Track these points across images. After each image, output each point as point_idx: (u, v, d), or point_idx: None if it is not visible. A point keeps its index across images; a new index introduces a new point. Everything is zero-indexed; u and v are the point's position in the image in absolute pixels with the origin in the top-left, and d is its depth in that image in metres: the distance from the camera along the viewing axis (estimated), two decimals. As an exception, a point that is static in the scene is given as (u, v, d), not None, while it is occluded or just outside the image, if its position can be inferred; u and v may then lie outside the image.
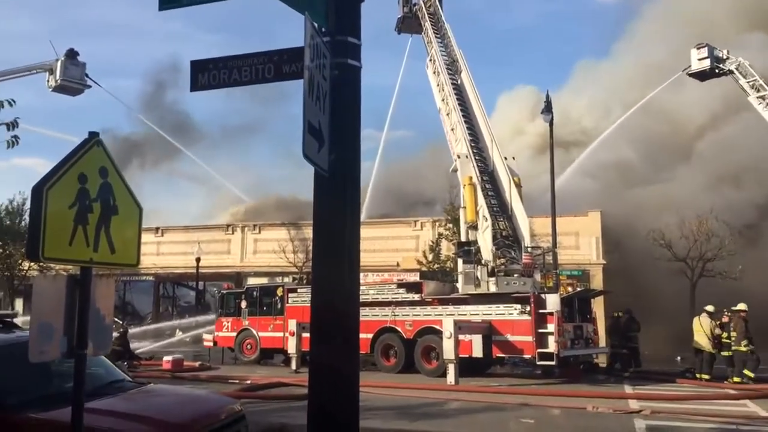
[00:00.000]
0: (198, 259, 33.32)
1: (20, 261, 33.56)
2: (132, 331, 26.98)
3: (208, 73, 4.00)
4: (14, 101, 6.87)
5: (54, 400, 5.00)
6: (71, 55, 20.89)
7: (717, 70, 30.82)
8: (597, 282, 31.16)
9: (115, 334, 21.24)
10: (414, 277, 28.08)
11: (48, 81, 21.49)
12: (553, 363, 17.40)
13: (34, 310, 3.68)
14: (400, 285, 21.10)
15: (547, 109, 22.68)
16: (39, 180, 3.65)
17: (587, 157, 41.36)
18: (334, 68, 3.69)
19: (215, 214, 53.07)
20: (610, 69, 49.79)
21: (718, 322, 18.21)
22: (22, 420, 4.89)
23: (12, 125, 6.69)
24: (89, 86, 22.40)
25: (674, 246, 29.18)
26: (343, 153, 3.68)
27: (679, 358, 22.33)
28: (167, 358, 20.50)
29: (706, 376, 17.46)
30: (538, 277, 19.31)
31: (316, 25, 3.53)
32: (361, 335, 15.47)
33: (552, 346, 17.05)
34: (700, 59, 30.89)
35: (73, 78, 20.95)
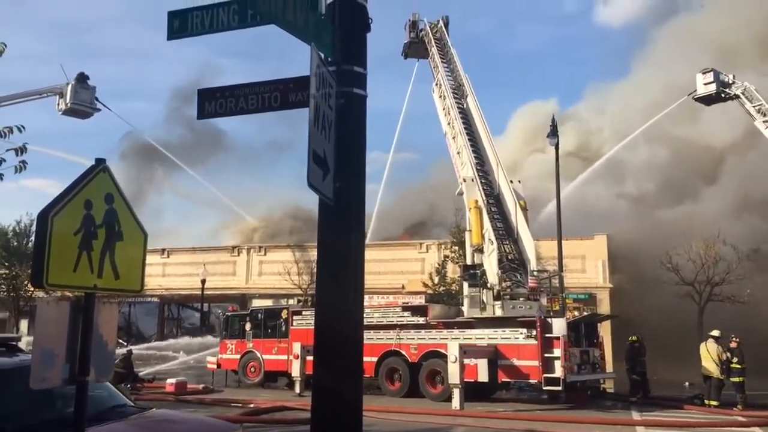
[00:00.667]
0: (203, 281, 33.31)
1: (26, 282, 33.62)
2: (136, 351, 26.85)
3: (215, 102, 4.03)
4: (24, 127, 6.94)
5: (55, 425, 4.95)
6: (81, 78, 21.13)
7: (723, 95, 30.83)
8: (604, 305, 30.98)
9: (121, 351, 21.21)
10: (419, 300, 27.93)
11: (58, 104, 21.72)
12: (559, 388, 17.21)
13: (37, 337, 3.66)
14: (405, 308, 20.99)
15: (553, 132, 22.74)
16: (45, 206, 3.67)
17: (589, 178, 41.29)
18: (340, 97, 3.71)
19: (225, 234, 53.12)
20: (625, 90, 49.88)
21: (725, 348, 18.01)
22: (23, 446, 4.84)
23: (20, 150, 6.75)
24: (99, 110, 22.64)
25: (682, 270, 28.98)
26: (348, 181, 3.69)
27: (687, 383, 22.05)
28: (170, 380, 20.39)
29: (714, 403, 17.23)
30: (544, 300, 19.17)
31: (322, 54, 3.56)
32: (366, 358, 15.37)
33: (558, 371, 16.88)
34: (705, 84, 30.93)
35: (83, 101, 21.17)
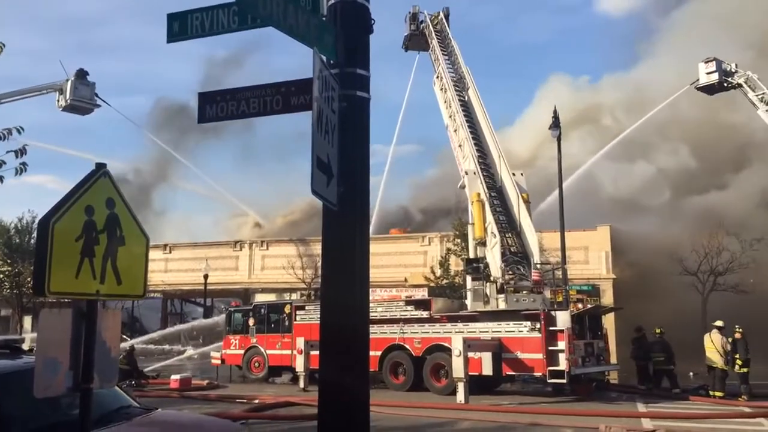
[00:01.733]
0: (206, 276, 33.34)
1: (29, 279, 33.68)
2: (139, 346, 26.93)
3: (216, 105, 3.97)
4: (23, 128, 6.90)
5: (61, 428, 4.94)
6: (81, 75, 21.01)
7: (725, 84, 30.68)
8: (607, 296, 30.98)
9: (123, 347, 21.23)
10: (422, 293, 27.94)
11: (58, 101, 21.62)
12: (564, 381, 17.21)
13: (39, 345, 3.63)
14: (409, 302, 20.98)
15: (555, 125, 22.62)
16: (45, 213, 3.62)
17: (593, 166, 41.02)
18: (343, 100, 3.65)
19: (231, 227, 52.99)
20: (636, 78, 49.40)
21: (730, 339, 17.97)
22: (28, 451, 4.83)
23: (20, 152, 6.71)
24: (99, 105, 22.54)
25: (685, 260, 28.94)
26: (352, 186, 3.64)
27: (691, 374, 22.05)
28: (175, 376, 20.43)
29: (719, 394, 17.23)
30: (547, 293, 19.16)
31: (324, 58, 3.50)
32: (370, 353, 15.34)
33: (563, 364, 16.86)
34: (708, 73, 30.76)
35: (83, 98, 21.07)
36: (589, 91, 53.41)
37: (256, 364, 22.96)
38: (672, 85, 38.37)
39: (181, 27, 3.66)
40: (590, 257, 32.31)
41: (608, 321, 22.92)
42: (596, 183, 38.88)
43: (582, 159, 40.75)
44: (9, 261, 34.98)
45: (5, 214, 46.20)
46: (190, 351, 32.27)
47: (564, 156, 22.51)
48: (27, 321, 35.11)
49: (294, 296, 31.97)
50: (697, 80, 31.38)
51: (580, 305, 22.77)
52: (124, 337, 26.05)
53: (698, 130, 40.31)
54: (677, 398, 17.56)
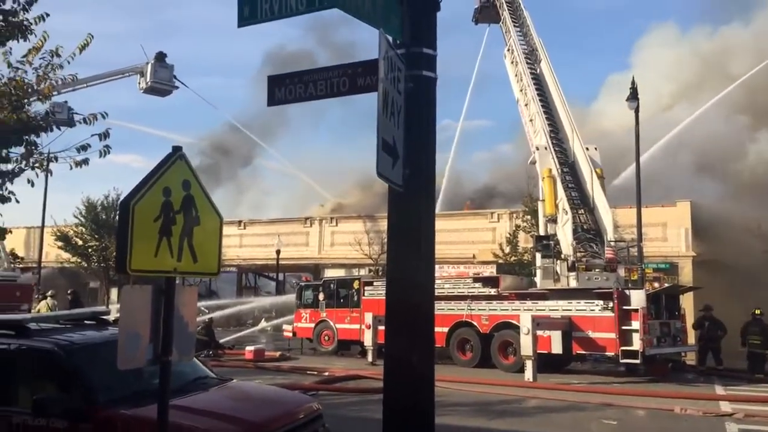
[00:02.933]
0: (278, 251, 34.19)
1: (115, 253, 35.47)
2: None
3: (285, 88, 4.04)
4: (107, 114, 7.24)
5: (143, 396, 5.22)
6: (160, 57, 21.65)
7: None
8: (686, 275, 29.70)
9: (202, 319, 22.20)
10: (490, 270, 27.70)
11: (139, 83, 22.42)
12: (637, 361, 16.77)
13: (122, 320, 3.85)
14: (477, 279, 20.88)
15: (633, 96, 21.69)
16: (126, 195, 3.82)
17: (676, 137, 38.80)
18: (409, 80, 3.63)
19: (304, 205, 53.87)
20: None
21: None
22: (114, 416, 5.14)
23: (104, 135, 7.04)
24: (177, 87, 23.24)
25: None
26: (418, 167, 3.63)
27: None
28: (249, 348, 21.21)
29: None
30: (621, 271, 18.59)
31: (390, 38, 3.48)
32: (437, 329, 15.37)
33: (637, 344, 16.44)
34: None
35: (162, 80, 21.69)
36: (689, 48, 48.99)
37: (326, 338, 23.49)
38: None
39: (251, 11, 3.72)
40: (669, 234, 31.02)
41: (686, 301, 22.04)
42: (687, 151, 36.47)
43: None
44: (96, 236, 36.96)
45: (94, 191, 48.82)
46: (264, 324, 33.39)
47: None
48: (113, 293, 37.09)
49: (362, 272, 32.37)
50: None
51: (656, 284, 21.97)
52: (203, 309, 27.20)
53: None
54: (759, 381, 16.79)
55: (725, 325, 18.86)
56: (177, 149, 4.08)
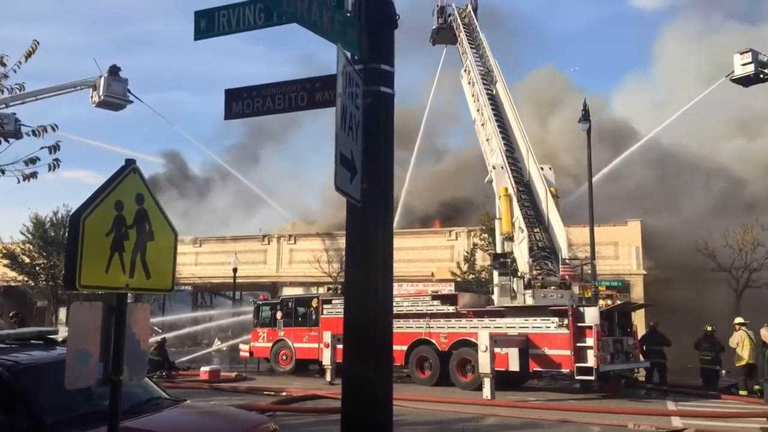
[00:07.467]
0: (235, 270, 33.69)
1: (63, 271, 34.41)
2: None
3: (242, 102, 4.01)
4: (56, 126, 7.06)
5: (92, 417, 5.05)
6: (114, 71, 21.35)
7: (762, 75, 29.87)
8: (637, 292, 30.46)
9: (155, 339, 21.60)
10: (449, 288, 27.83)
11: (92, 97, 22.02)
12: (592, 378, 17.03)
13: (71, 337, 3.72)
14: (435, 297, 20.96)
15: (585, 117, 22.30)
16: (76, 209, 3.71)
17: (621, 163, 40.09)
18: (367, 96, 3.65)
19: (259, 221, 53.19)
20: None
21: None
22: (61, 439, 4.95)
23: (54, 148, 6.86)
24: (131, 102, 22.89)
25: (718, 255, 28.33)
26: (376, 182, 3.65)
27: (723, 372, 21.63)
28: (204, 368, 20.74)
29: (744, 393, 16.94)
30: (576, 289, 18.93)
31: (348, 54, 3.51)
32: (396, 347, 15.36)
33: (591, 361, 16.69)
34: (743, 64, 29.94)
35: (116, 94, 21.39)
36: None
37: (284, 357, 23.17)
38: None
39: (208, 24, 3.71)
40: (620, 252, 31.82)
41: (638, 318, 22.57)
42: (624, 178, 37.88)
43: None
44: (44, 254, 35.82)
45: (43, 208, 47.36)
46: (218, 343, 32.75)
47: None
48: (62, 312, 35.92)
49: (321, 290, 32.15)
50: (732, 72, 30.60)
51: (609, 301, 22.44)
52: (156, 329, 26.49)
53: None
54: (709, 397, 17.25)
55: (720, 346, 19.05)
56: (130, 162, 4.00)
